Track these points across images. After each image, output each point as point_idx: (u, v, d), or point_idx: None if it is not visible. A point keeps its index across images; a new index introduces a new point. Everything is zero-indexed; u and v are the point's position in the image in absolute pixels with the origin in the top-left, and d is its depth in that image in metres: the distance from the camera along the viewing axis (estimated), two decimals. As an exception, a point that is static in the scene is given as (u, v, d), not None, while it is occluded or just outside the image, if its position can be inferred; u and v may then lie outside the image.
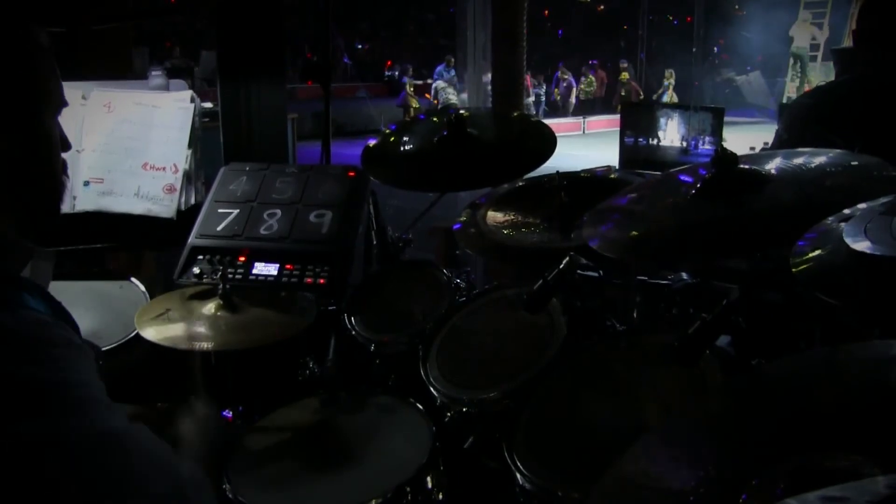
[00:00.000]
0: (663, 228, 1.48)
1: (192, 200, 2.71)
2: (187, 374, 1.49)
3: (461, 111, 2.22)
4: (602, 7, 24.19)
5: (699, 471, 0.85)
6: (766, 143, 4.57)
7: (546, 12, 22.71)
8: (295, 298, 1.95)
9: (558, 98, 19.35)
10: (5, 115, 0.96)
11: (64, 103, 1.06)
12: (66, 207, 1.12)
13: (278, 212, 2.36)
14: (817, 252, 1.07)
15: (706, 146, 5.71)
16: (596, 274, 1.74)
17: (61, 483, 0.81)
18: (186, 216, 2.45)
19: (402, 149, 2.26)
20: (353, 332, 1.90)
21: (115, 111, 2.66)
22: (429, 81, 17.40)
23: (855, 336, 1.22)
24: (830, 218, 1.14)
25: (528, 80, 19.08)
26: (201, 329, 1.74)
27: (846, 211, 1.13)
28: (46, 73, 1.02)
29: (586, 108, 19.34)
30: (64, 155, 1.09)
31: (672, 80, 18.43)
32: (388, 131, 2.38)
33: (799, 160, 1.47)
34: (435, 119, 2.35)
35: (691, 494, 0.83)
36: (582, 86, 19.73)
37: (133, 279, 2.22)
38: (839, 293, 1.01)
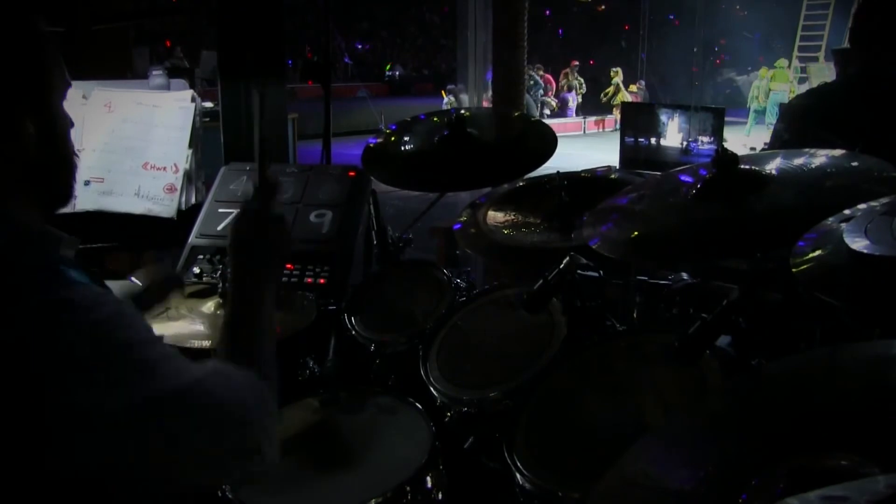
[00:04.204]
0: (663, 228, 1.48)
1: (193, 200, 2.71)
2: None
3: (461, 111, 2.22)
4: (602, 7, 24.16)
5: (699, 471, 0.86)
6: (765, 144, 4.56)
7: (547, 12, 22.67)
8: (295, 298, 1.94)
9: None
10: (24, 101, 0.99)
11: (68, 83, 1.08)
12: (66, 207, 1.14)
13: (278, 212, 2.35)
14: (817, 252, 1.07)
15: (706, 146, 5.70)
16: (596, 274, 1.74)
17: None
18: (186, 216, 2.46)
19: (402, 149, 2.26)
20: (353, 332, 1.90)
21: (116, 111, 2.66)
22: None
23: (855, 336, 1.22)
24: (831, 218, 1.14)
25: (551, 79, 18.72)
26: (201, 327, 1.73)
27: (846, 211, 1.13)
28: (52, 56, 1.04)
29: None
30: None
31: (619, 79, 18.05)
32: (388, 131, 2.38)
33: (799, 161, 1.47)
34: (435, 119, 2.35)
35: (691, 494, 0.83)
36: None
37: (133, 279, 2.21)
38: (839, 293, 1.01)
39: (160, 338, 0.98)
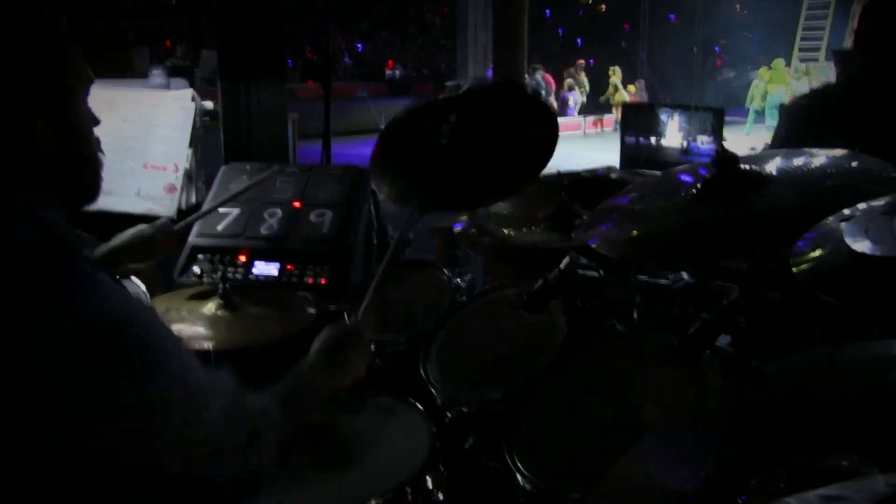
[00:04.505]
0: (663, 228, 1.48)
1: (193, 200, 2.71)
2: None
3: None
4: (602, 7, 24.15)
5: (699, 471, 0.86)
6: (766, 144, 4.56)
7: (547, 12, 22.64)
8: (295, 298, 1.94)
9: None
10: (44, 101, 0.99)
11: (90, 80, 1.08)
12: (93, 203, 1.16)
13: (278, 212, 2.36)
14: (817, 252, 1.07)
15: (706, 146, 5.71)
16: (596, 274, 1.74)
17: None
18: (186, 216, 2.46)
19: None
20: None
21: (116, 111, 2.66)
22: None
23: (855, 336, 1.22)
24: (831, 218, 1.14)
25: (551, 80, 18.58)
26: (201, 329, 1.74)
27: (846, 211, 1.13)
28: (73, 54, 1.03)
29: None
30: None
31: (617, 79, 17.94)
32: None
33: (799, 161, 1.47)
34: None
35: (691, 494, 0.83)
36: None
37: (133, 278, 2.22)
38: (839, 293, 1.01)
39: (179, 339, 1.00)
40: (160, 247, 1.84)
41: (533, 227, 1.95)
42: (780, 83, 15.02)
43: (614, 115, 16.31)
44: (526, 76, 6.26)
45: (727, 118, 6.37)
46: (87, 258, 0.99)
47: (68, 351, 0.87)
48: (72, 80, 1.04)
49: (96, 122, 1.10)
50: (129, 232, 1.80)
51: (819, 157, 1.47)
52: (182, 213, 2.59)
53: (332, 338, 1.38)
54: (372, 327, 1.90)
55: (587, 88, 18.87)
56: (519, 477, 1.28)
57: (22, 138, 0.98)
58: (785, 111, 2.95)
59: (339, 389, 1.38)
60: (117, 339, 0.90)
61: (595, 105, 18.52)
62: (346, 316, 1.50)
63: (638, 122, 6.20)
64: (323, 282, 2.20)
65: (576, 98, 18.59)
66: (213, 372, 1.02)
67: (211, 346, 1.71)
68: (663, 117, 6.02)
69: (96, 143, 1.10)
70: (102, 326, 0.90)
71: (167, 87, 3.29)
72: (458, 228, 2.05)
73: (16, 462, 0.86)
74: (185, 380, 0.96)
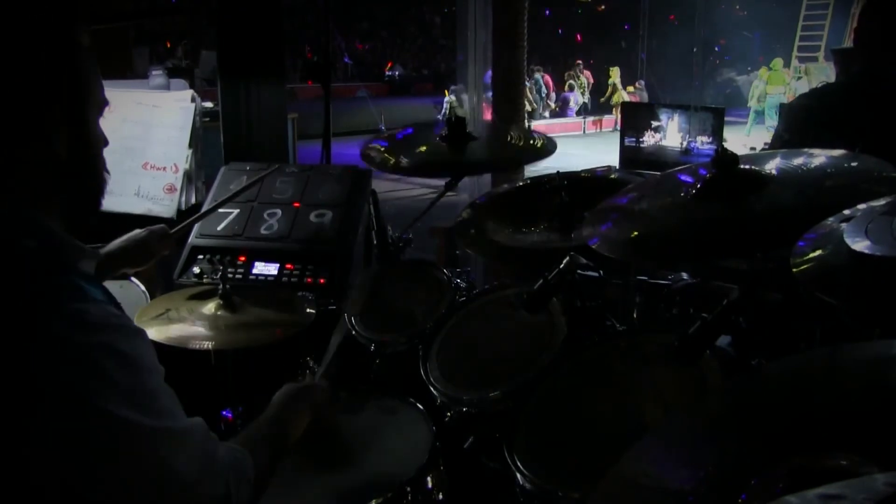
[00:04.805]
0: (663, 228, 1.48)
1: (193, 200, 2.71)
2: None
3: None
4: (602, 7, 24.13)
5: (699, 471, 0.85)
6: (765, 144, 4.57)
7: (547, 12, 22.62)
8: (295, 298, 1.94)
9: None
10: (55, 117, 0.99)
11: (105, 102, 1.10)
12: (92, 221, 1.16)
13: (278, 212, 2.36)
14: (818, 252, 1.07)
15: (706, 146, 5.70)
16: (596, 274, 1.74)
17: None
18: (186, 216, 2.46)
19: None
20: (353, 332, 1.90)
21: (116, 111, 2.65)
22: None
23: (855, 336, 1.22)
24: (831, 218, 1.14)
25: (550, 81, 18.47)
26: (201, 329, 1.74)
27: (846, 211, 1.13)
28: (90, 74, 1.04)
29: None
30: None
31: (617, 79, 17.93)
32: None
33: (799, 161, 1.47)
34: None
35: (691, 494, 0.83)
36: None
37: (133, 279, 2.22)
38: (839, 293, 1.01)
39: (162, 371, 0.98)
40: (156, 250, 1.85)
41: (533, 227, 1.94)
42: (778, 83, 15.02)
43: (614, 116, 16.31)
44: (526, 77, 6.25)
45: (727, 118, 6.36)
46: (84, 272, 0.97)
47: (53, 371, 0.85)
48: (89, 95, 1.05)
49: (106, 143, 1.12)
50: (125, 237, 1.80)
51: (819, 157, 1.47)
52: (182, 214, 2.59)
53: (286, 398, 1.39)
54: (372, 327, 1.91)
55: (587, 88, 18.86)
56: (519, 477, 1.28)
57: (39, 141, 0.98)
58: (785, 111, 2.95)
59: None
60: (104, 370, 0.88)
61: (595, 105, 18.51)
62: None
63: (638, 122, 6.19)
64: (322, 282, 2.20)
65: (576, 98, 18.56)
66: (189, 417, 0.99)
67: (211, 346, 1.71)
68: (663, 117, 6.02)
69: (103, 163, 1.11)
70: (87, 350, 0.88)
71: (167, 87, 3.29)
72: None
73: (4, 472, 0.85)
74: (161, 415, 0.93)
